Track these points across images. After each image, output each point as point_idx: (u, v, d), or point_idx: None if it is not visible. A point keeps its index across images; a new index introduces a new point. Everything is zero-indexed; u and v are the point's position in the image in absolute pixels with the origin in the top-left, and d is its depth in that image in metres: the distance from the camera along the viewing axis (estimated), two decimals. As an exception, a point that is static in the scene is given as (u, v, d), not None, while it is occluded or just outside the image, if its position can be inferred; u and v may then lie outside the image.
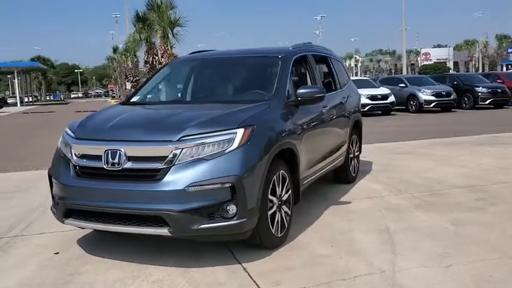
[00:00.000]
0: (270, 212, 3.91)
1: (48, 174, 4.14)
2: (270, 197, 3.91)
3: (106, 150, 3.66)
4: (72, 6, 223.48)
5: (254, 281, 3.45)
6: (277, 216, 4.05)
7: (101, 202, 3.65)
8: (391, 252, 3.91)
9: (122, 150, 3.62)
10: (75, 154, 3.86)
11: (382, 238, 4.27)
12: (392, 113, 20.31)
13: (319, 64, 6.02)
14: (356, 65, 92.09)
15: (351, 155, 6.47)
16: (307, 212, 5.10)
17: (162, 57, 22.47)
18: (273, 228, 3.96)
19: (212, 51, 5.79)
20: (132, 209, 3.55)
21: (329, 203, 5.49)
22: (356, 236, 4.35)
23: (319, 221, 4.82)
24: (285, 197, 4.18)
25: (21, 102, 50.17)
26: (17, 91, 50.95)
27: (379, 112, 20.06)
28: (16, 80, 49.82)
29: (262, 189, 3.74)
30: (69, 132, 4.11)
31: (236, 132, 3.67)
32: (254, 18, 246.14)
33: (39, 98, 78.49)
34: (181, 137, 3.59)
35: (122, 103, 5.25)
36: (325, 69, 6.16)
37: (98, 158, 3.71)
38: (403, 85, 21.70)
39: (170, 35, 21.90)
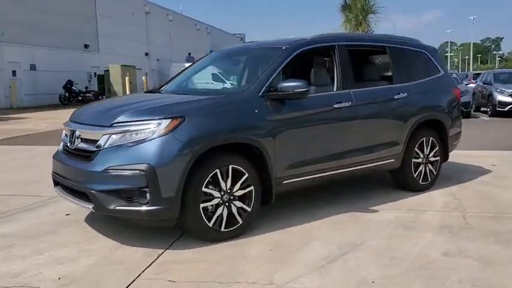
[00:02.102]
0: (204, 205, 3.92)
1: None
2: (205, 189, 3.91)
3: (71, 130, 4.26)
4: None
5: (148, 266, 3.60)
6: (221, 211, 4.01)
7: (62, 176, 4.28)
8: (313, 269, 3.50)
9: (77, 131, 4.16)
10: (64, 134, 4.57)
11: (334, 253, 3.80)
12: None
13: (367, 56, 5.42)
14: None
15: (418, 160, 5.61)
16: (311, 214, 4.79)
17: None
18: (210, 221, 3.96)
19: (247, 43, 5.74)
20: (75, 185, 4.06)
21: (354, 207, 5.00)
22: (311, 247, 3.97)
23: (306, 225, 4.50)
24: (239, 193, 4.09)
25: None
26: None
27: None
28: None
29: (185, 180, 3.78)
30: None
31: (161, 123, 3.80)
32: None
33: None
34: (113, 123, 3.91)
35: (150, 91, 5.75)
36: (374, 62, 5.48)
37: (67, 137, 4.34)
38: None
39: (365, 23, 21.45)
